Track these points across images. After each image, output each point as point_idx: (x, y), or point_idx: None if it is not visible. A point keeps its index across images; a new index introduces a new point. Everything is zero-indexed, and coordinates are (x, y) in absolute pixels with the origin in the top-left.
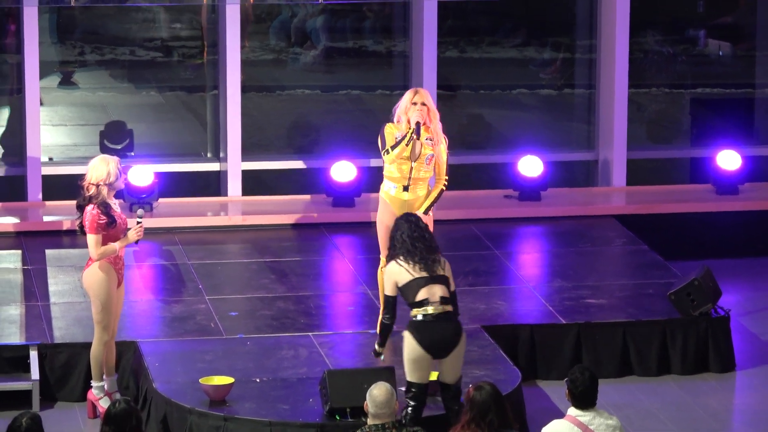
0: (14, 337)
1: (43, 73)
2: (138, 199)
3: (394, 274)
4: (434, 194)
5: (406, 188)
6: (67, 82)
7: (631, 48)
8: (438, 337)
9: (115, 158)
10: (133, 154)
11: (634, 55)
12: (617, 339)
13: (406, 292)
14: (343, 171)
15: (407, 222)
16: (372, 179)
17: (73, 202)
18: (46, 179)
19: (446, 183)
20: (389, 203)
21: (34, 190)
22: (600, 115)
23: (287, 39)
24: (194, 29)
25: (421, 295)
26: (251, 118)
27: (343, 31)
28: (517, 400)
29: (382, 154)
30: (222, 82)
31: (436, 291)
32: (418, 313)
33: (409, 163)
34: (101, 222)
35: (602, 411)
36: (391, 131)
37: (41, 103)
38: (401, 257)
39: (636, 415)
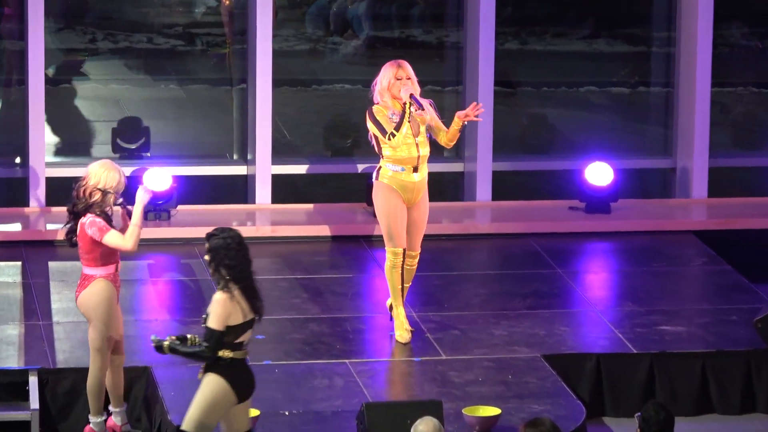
0: (12, 360)
1: (49, 63)
2: (154, 206)
3: (228, 309)
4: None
5: (416, 169)
6: (76, 72)
7: (714, 41)
8: (248, 380)
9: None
10: (149, 154)
11: (718, 50)
12: (695, 371)
13: (230, 331)
14: None
15: (238, 243)
16: None
17: None
18: (50, 182)
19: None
20: (395, 188)
21: (37, 195)
22: (679, 117)
23: (325, 27)
24: (220, 14)
25: (244, 337)
26: (284, 116)
27: (388, 19)
28: None
29: (382, 140)
30: (251, 74)
31: (249, 335)
32: (231, 355)
33: (415, 140)
34: (102, 226)
35: None
36: (384, 113)
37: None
38: (237, 290)
39: None
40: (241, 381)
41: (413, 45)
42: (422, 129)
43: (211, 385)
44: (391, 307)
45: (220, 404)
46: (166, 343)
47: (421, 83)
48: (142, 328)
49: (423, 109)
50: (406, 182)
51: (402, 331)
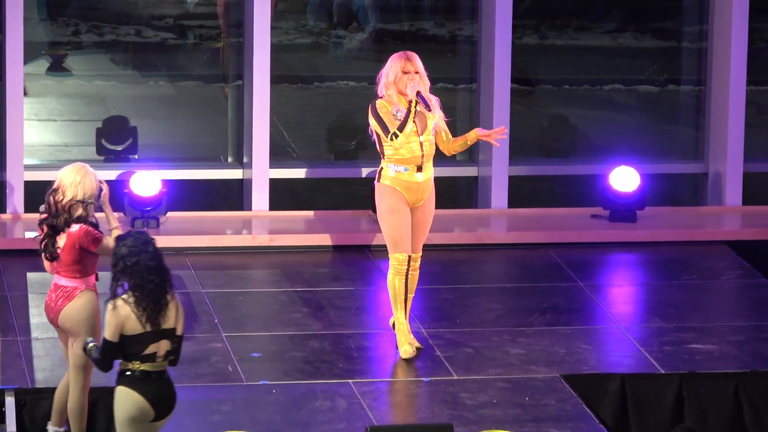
0: None
1: (29, 57)
2: (142, 213)
3: (117, 318)
4: (458, 144)
5: (420, 168)
6: (58, 67)
7: (750, 35)
8: (166, 394)
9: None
10: (136, 157)
11: (754, 45)
12: (728, 393)
13: (130, 342)
14: None
15: (145, 244)
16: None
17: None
18: (29, 187)
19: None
20: (399, 189)
21: (15, 200)
22: (711, 118)
23: (328, 19)
24: (214, 5)
25: (155, 348)
26: (283, 115)
27: (397, 11)
28: None
29: (385, 139)
30: (248, 70)
31: (163, 345)
32: (141, 367)
33: (418, 138)
34: (98, 235)
35: None
36: (387, 109)
37: (25, 93)
38: (133, 298)
39: None
40: (156, 395)
41: (424, 39)
42: (429, 125)
43: (119, 398)
44: (393, 325)
45: (135, 418)
46: (89, 345)
47: (432, 80)
48: None
49: (430, 110)
50: (410, 183)
51: (407, 346)
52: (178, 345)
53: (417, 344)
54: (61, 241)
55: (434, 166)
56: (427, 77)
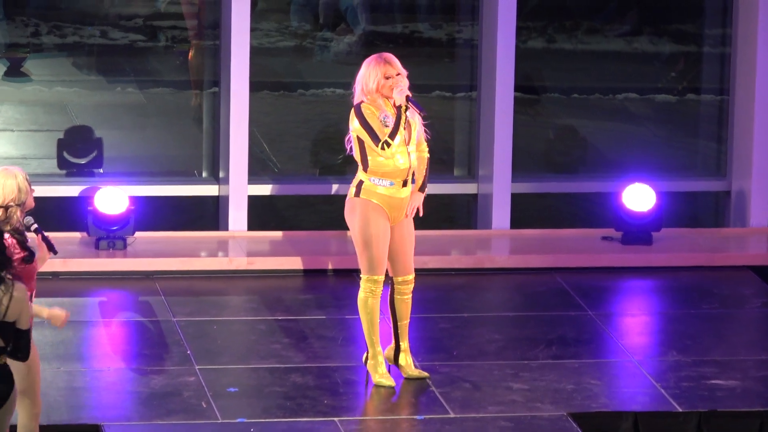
0: None
1: None
2: (107, 232)
3: None
4: (424, 168)
5: (405, 183)
6: (15, 72)
7: None
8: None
9: (20, 168)
10: (102, 171)
11: None
12: None
13: None
14: None
15: None
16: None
17: None
18: None
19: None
20: (382, 205)
21: None
22: (735, 131)
23: (314, 20)
24: (189, 4)
25: None
26: (263, 126)
27: (389, 11)
28: None
29: (373, 147)
30: (224, 76)
31: None
32: None
33: (406, 148)
34: (18, 256)
35: None
36: (375, 115)
37: None
38: None
39: None
40: None
41: (419, 42)
42: (413, 135)
43: None
44: (366, 360)
45: None
46: None
47: (428, 87)
48: (93, 378)
49: (424, 112)
50: (394, 199)
51: (384, 378)
52: (18, 339)
53: (417, 374)
54: None
55: (429, 182)
56: (409, 83)
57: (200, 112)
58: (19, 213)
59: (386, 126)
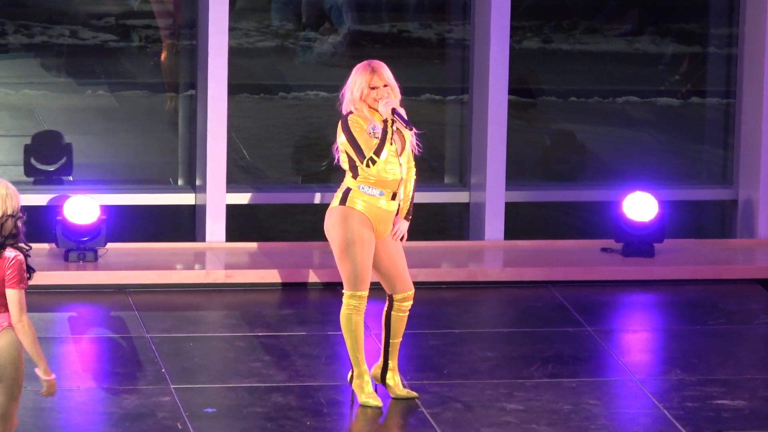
0: None
1: None
2: (77, 243)
3: None
4: (411, 188)
5: (395, 195)
6: None
7: None
8: None
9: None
10: (71, 178)
11: None
12: None
13: None
14: None
15: None
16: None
17: None
18: None
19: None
20: (368, 215)
21: None
22: (742, 136)
23: (296, 19)
24: (159, 2)
25: None
26: (242, 131)
27: (376, 9)
28: None
29: (360, 165)
30: (201, 78)
31: None
32: None
33: (398, 160)
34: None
35: None
36: (362, 128)
37: None
38: None
39: None
40: None
41: (407, 42)
42: (407, 146)
43: None
44: (351, 379)
45: None
46: None
47: (418, 91)
48: (62, 398)
49: (410, 128)
50: (382, 211)
51: (371, 398)
52: None
53: (405, 394)
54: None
55: (417, 190)
56: (399, 89)
57: (176, 117)
58: (10, 222)
59: (375, 137)
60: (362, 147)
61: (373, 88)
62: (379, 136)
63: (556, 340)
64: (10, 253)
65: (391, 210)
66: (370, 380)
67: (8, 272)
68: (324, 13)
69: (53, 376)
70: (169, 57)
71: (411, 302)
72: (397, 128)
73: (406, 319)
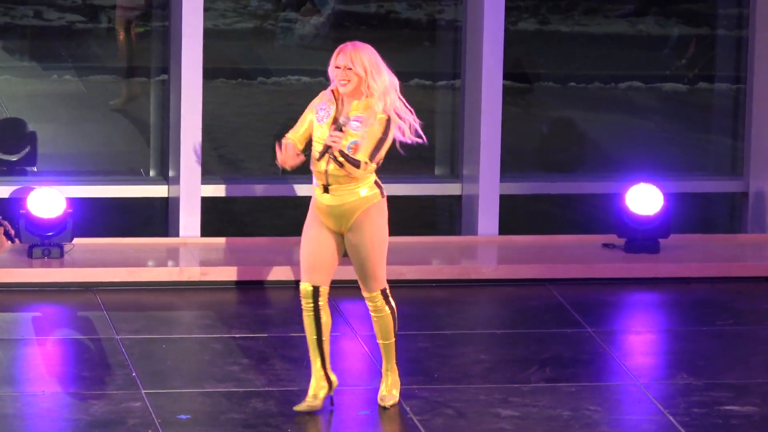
0: None
1: None
2: (42, 238)
3: None
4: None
5: (326, 189)
6: None
7: None
8: None
9: None
10: (35, 169)
11: None
12: None
13: None
14: None
15: None
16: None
17: None
18: None
19: (367, 165)
20: (314, 207)
21: None
22: (753, 124)
23: None
24: None
25: None
26: (219, 118)
27: None
28: None
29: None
30: (175, 62)
31: None
32: None
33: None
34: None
35: None
36: (312, 107)
37: None
38: None
39: None
40: None
41: (395, 23)
42: (347, 143)
43: None
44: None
45: None
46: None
47: (406, 75)
48: (26, 404)
49: (351, 172)
50: (319, 203)
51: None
52: None
53: (386, 403)
54: None
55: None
56: (394, 74)
57: (147, 103)
58: None
59: (320, 122)
60: (296, 125)
61: (336, 68)
62: (326, 121)
63: (555, 341)
64: None
65: (326, 204)
66: (316, 384)
67: None
68: None
69: None
70: (126, 39)
71: (376, 304)
72: (344, 129)
73: (383, 321)
